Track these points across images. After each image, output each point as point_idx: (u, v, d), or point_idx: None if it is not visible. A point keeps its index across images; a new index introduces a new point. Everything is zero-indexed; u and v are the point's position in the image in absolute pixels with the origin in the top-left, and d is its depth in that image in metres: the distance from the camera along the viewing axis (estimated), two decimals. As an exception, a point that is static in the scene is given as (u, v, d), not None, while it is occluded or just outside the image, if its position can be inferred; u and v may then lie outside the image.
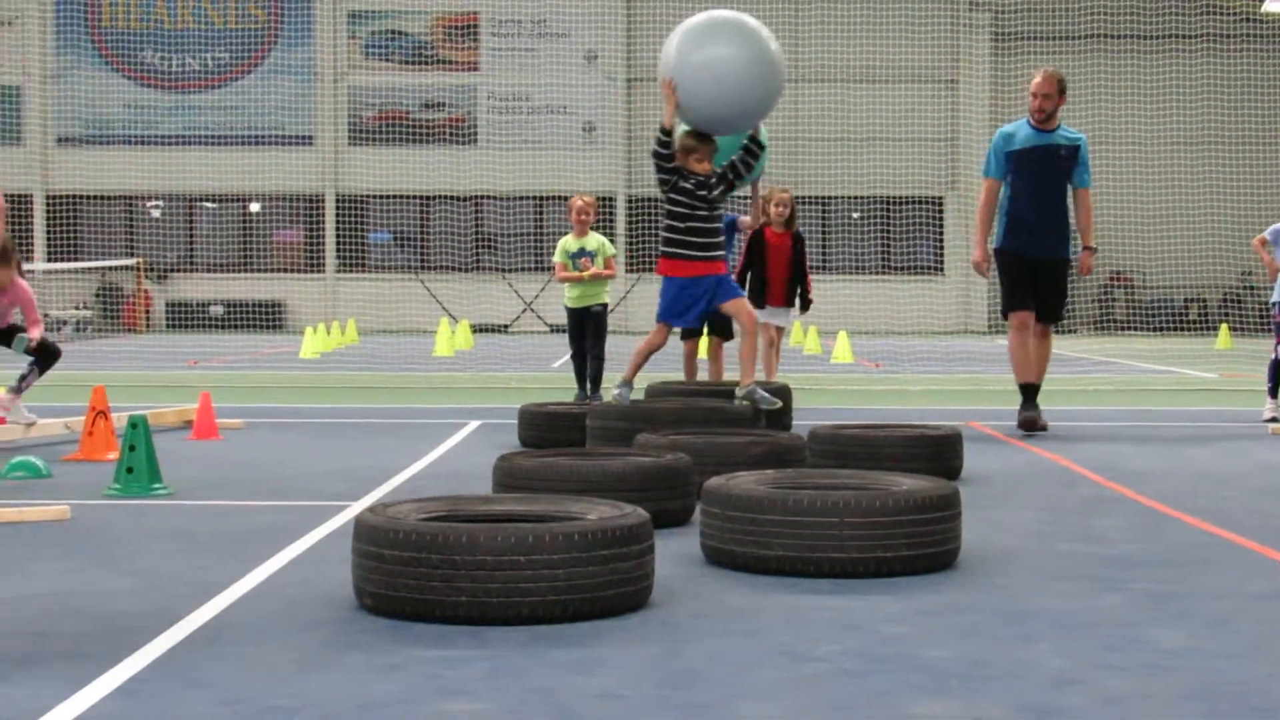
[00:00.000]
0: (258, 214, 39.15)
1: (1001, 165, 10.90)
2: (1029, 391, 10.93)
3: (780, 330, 12.94)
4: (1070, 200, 10.94)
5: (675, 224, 9.32)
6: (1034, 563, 5.85)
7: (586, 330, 12.73)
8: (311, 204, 38.87)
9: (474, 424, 11.74)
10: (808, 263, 12.89)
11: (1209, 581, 5.48)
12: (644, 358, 9.59)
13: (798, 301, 12.90)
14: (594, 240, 12.91)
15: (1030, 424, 10.78)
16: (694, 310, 9.41)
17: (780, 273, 12.65)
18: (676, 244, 9.34)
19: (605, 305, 12.94)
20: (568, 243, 12.92)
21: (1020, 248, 10.93)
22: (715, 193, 9.30)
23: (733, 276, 12.27)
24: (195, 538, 6.40)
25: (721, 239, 9.44)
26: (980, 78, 38.24)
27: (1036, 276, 10.92)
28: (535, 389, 15.77)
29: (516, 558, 4.63)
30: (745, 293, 12.72)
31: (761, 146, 9.48)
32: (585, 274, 12.64)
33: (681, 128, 9.41)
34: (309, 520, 6.77)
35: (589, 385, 12.63)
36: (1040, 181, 10.80)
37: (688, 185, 9.25)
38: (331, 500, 7.46)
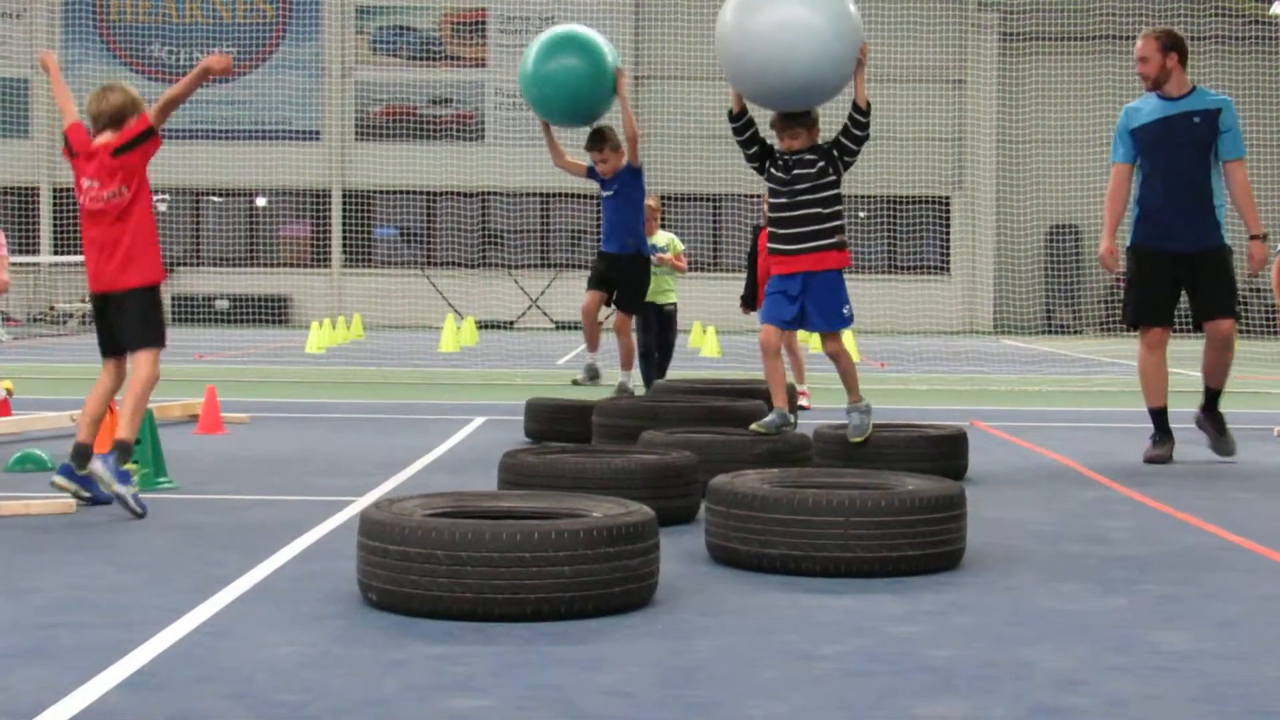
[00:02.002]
0: (264, 209, 39.16)
1: (1128, 146, 9.25)
2: (1159, 419, 9.30)
3: (791, 332, 12.84)
4: (1216, 179, 9.15)
5: (771, 213, 8.21)
6: (1040, 563, 5.85)
7: (652, 327, 12.63)
8: (318, 199, 38.86)
9: (479, 420, 11.74)
10: None
11: (1216, 584, 5.48)
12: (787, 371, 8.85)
13: None
14: (663, 238, 13.00)
15: (1159, 461, 9.18)
16: (781, 308, 8.12)
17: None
18: (771, 236, 8.23)
19: (675, 304, 12.84)
20: (668, 237, 13.04)
21: (1150, 241, 9.24)
22: (795, 172, 7.99)
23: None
24: (200, 532, 6.40)
25: (817, 228, 8.02)
26: (987, 78, 38.21)
27: (1176, 276, 9.19)
28: (540, 386, 15.76)
29: (522, 554, 4.63)
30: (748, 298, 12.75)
31: (861, 111, 8.17)
32: (659, 260, 12.54)
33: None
34: (314, 515, 6.77)
35: (656, 372, 12.57)
36: (1168, 159, 9.07)
37: (773, 168, 8.13)
38: (337, 495, 7.46)
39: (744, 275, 13.15)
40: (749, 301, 12.58)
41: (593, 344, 10.82)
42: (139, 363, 7.07)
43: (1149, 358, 9.32)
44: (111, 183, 7.00)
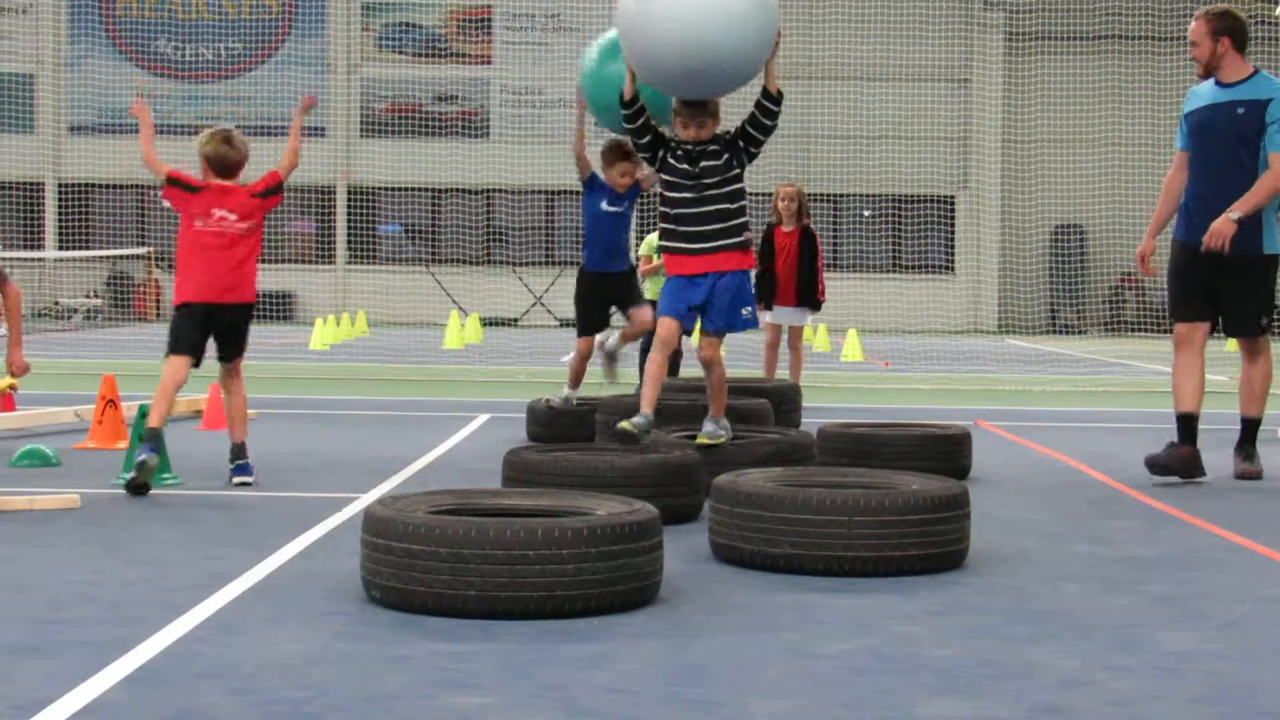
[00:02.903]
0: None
1: (1183, 133, 8.57)
2: (1186, 424, 8.35)
3: (796, 331, 12.85)
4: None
5: (665, 210, 7.61)
6: (1043, 563, 5.85)
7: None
8: (322, 195, 38.87)
9: (483, 417, 11.74)
10: (821, 260, 12.75)
11: (1219, 584, 5.48)
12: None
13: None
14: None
15: (1184, 470, 8.28)
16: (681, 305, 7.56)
17: (788, 271, 12.56)
18: (665, 234, 7.64)
19: None
20: (654, 239, 13.01)
21: (1186, 235, 8.47)
22: (704, 164, 7.42)
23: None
24: (204, 528, 6.40)
25: (723, 225, 7.47)
26: (993, 77, 38.18)
27: (1214, 276, 8.32)
28: (545, 383, 15.76)
29: (525, 552, 4.63)
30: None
31: (772, 99, 7.48)
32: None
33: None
34: (318, 512, 6.78)
35: (669, 375, 12.58)
36: (1208, 150, 8.36)
37: (673, 160, 7.52)
38: (340, 492, 7.46)
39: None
40: (765, 299, 12.47)
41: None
42: (240, 372, 8.19)
43: (1178, 357, 8.43)
44: (248, 219, 8.27)
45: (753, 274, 12.35)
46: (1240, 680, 4.11)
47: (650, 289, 13.07)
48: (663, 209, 7.56)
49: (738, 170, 7.46)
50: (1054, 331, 36.12)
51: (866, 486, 5.88)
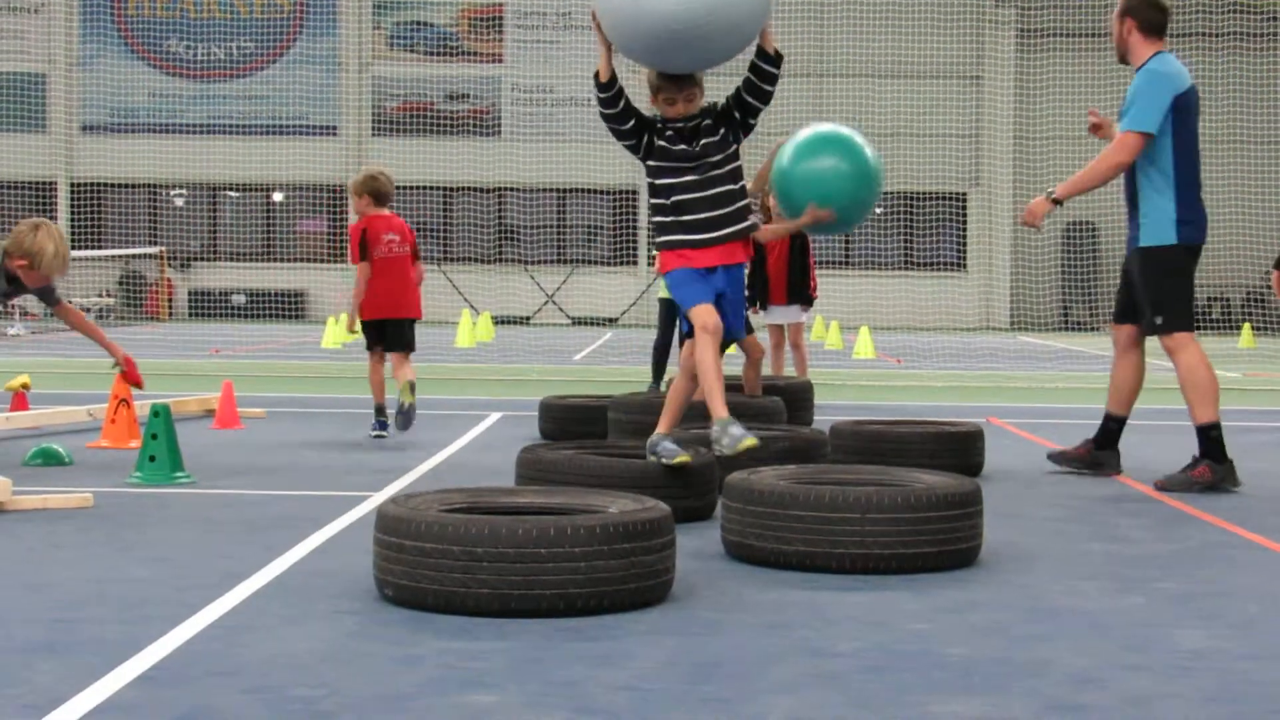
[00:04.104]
0: (281, 203, 39.22)
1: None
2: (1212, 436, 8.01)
3: (795, 328, 12.82)
4: (1149, 170, 8.06)
5: (659, 200, 6.74)
6: (1056, 561, 5.84)
7: (674, 325, 12.67)
8: (334, 194, 38.90)
9: (495, 415, 11.74)
10: (812, 257, 12.64)
11: (1233, 582, 5.46)
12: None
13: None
14: None
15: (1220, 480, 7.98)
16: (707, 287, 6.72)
17: (778, 269, 12.47)
18: (665, 227, 6.75)
19: None
20: None
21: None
22: (704, 141, 6.60)
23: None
24: (217, 526, 6.41)
25: (731, 209, 6.66)
26: (1005, 74, 38.14)
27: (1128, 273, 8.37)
28: (557, 381, 15.77)
29: (538, 550, 4.63)
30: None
31: (770, 60, 6.59)
32: None
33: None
34: (330, 510, 6.78)
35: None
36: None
37: (666, 143, 6.64)
38: (353, 490, 7.47)
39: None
40: (760, 300, 12.43)
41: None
42: (408, 360, 10.09)
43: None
44: (406, 243, 10.18)
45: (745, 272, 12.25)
46: (1255, 678, 4.10)
47: (664, 287, 13.06)
48: (656, 200, 6.67)
49: (735, 146, 6.66)
50: (1066, 328, 36.08)
51: (879, 484, 5.88)
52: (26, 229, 8.34)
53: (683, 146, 6.58)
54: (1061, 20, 37.50)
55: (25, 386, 10.48)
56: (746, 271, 9.42)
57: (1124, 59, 8.22)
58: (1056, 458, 8.64)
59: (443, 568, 4.65)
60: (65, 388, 13.77)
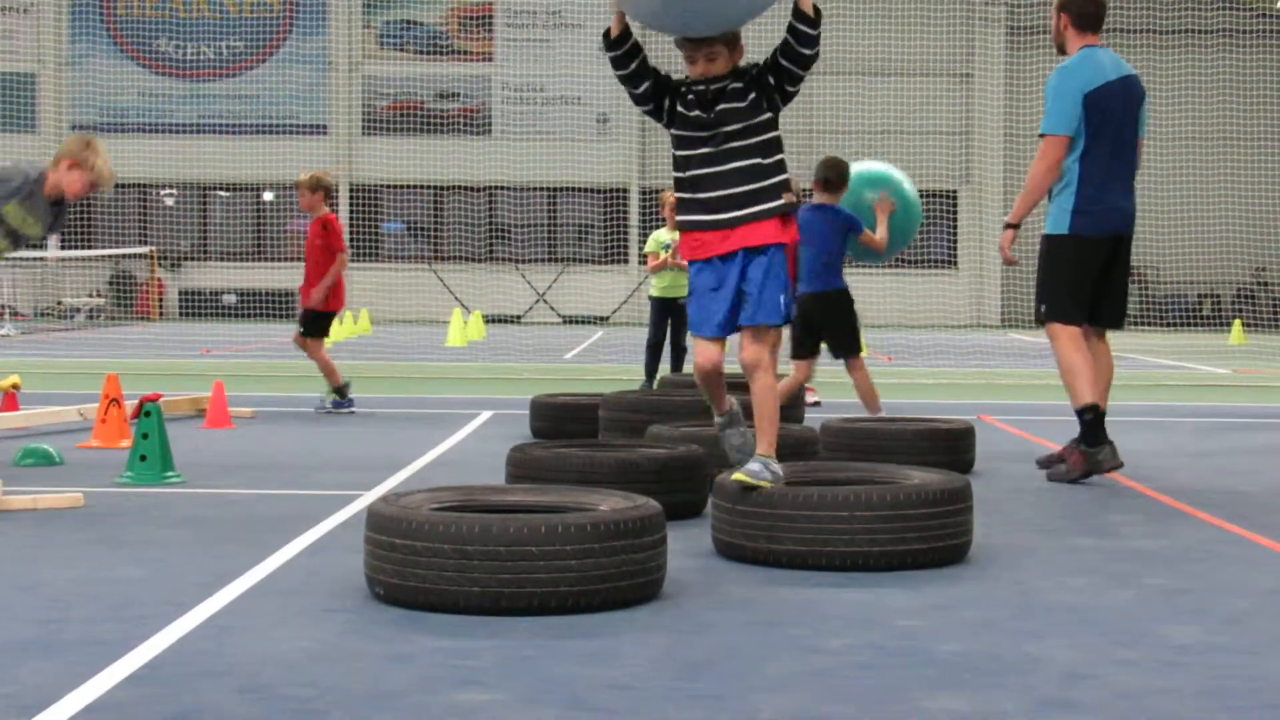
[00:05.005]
0: (271, 203, 39.19)
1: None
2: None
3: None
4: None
5: (678, 174, 5.93)
6: (1046, 557, 5.84)
7: (669, 321, 12.84)
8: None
9: (486, 414, 11.74)
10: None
11: (1223, 577, 5.47)
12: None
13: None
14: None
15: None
16: (710, 308, 5.87)
17: (795, 268, 12.55)
18: (682, 205, 5.95)
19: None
20: (661, 235, 13.11)
21: None
22: (721, 107, 5.77)
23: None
24: (208, 526, 6.40)
25: (757, 186, 5.78)
26: (995, 72, 38.18)
27: None
28: (547, 380, 15.76)
29: (529, 548, 4.63)
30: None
31: (807, 20, 5.81)
32: (671, 257, 12.67)
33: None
34: (321, 509, 6.78)
35: (671, 368, 12.75)
36: None
37: (684, 110, 5.85)
38: (344, 489, 7.46)
39: None
40: None
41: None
42: None
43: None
44: None
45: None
46: (1246, 673, 4.10)
47: (655, 285, 13.10)
48: (676, 175, 5.93)
49: (769, 115, 5.81)
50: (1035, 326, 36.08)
51: (869, 481, 5.88)
52: (74, 137, 8.26)
53: (698, 113, 5.80)
54: (1051, 18, 37.51)
55: (15, 386, 10.47)
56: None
57: (1061, 52, 8.28)
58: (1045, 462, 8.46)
59: (434, 566, 4.65)
60: (55, 388, 13.75)
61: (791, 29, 5.77)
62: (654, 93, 5.87)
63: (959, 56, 38.57)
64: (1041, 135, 8.06)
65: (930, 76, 38.33)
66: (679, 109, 5.83)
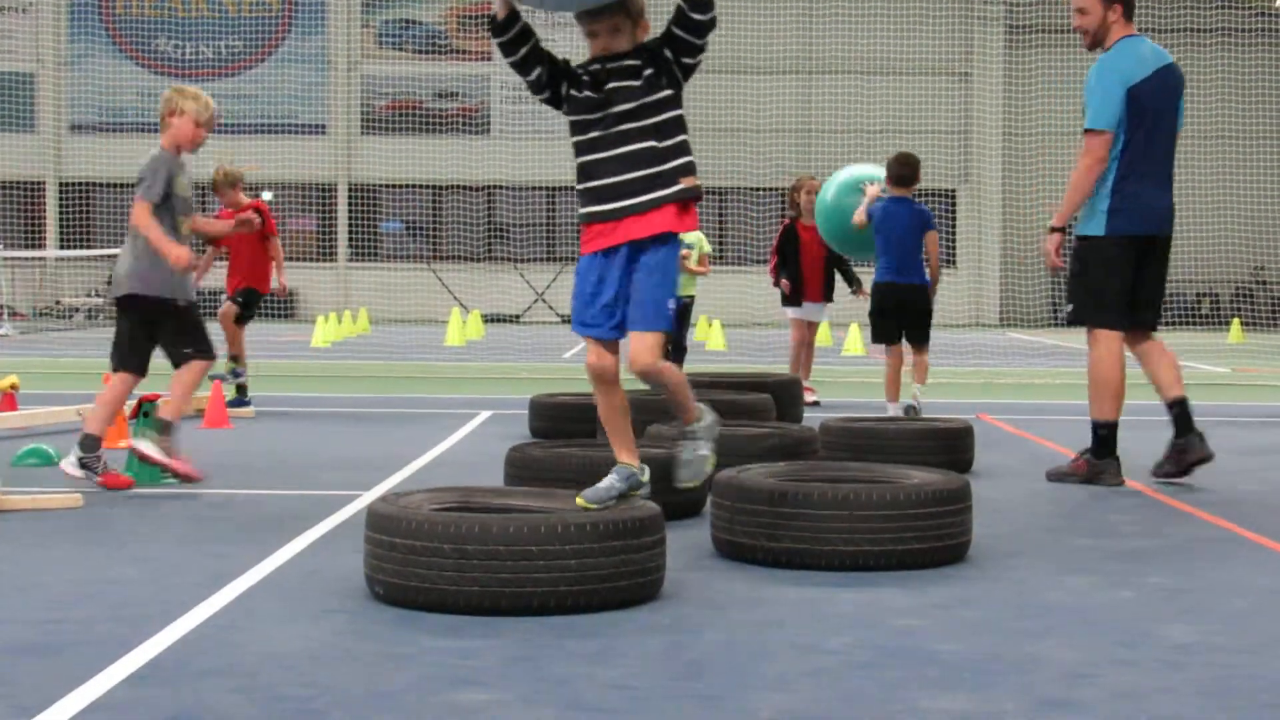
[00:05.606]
0: (270, 202, 39.17)
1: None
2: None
3: (813, 327, 12.92)
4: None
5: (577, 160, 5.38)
6: (1046, 557, 5.84)
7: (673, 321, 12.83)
8: (324, 193, 38.89)
9: (485, 414, 11.74)
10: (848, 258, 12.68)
11: (1223, 577, 5.47)
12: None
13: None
14: (693, 235, 13.00)
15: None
16: (592, 307, 5.32)
17: (815, 266, 12.58)
18: (580, 196, 5.42)
19: (692, 298, 13.01)
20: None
21: None
22: (612, 85, 5.21)
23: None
24: (207, 526, 6.40)
25: (652, 171, 5.20)
26: (993, 71, 38.18)
27: None
28: (546, 380, 15.76)
29: (529, 548, 4.63)
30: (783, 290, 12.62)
31: None
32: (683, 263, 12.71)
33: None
34: (320, 509, 6.78)
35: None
36: None
37: (575, 91, 5.32)
38: (343, 489, 7.46)
39: (757, 269, 13.21)
40: (794, 298, 12.59)
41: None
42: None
43: None
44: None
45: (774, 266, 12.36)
46: (1246, 672, 4.10)
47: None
48: (578, 161, 5.37)
49: (669, 91, 5.23)
50: (1056, 324, 36.10)
51: (868, 481, 5.88)
52: (163, 96, 8.41)
53: (591, 95, 5.24)
54: (1050, 17, 37.51)
55: (14, 387, 10.46)
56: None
57: (1096, 45, 8.09)
58: (1159, 472, 8.07)
59: (433, 566, 4.65)
60: (53, 388, 13.74)
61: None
62: (549, 79, 5.34)
63: (957, 55, 38.57)
64: (1085, 131, 7.84)
65: (929, 75, 38.32)
66: (572, 92, 5.30)
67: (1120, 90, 7.79)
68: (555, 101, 5.36)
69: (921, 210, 10.53)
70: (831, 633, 4.52)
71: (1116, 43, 7.95)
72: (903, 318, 10.60)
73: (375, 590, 4.86)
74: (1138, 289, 7.98)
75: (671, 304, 5.28)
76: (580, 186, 5.35)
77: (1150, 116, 7.83)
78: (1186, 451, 7.95)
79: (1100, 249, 7.89)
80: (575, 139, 5.32)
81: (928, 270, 10.67)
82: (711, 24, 5.20)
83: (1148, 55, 7.92)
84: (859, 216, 10.56)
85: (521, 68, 5.33)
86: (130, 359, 7.69)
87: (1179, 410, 7.97)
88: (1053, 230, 8.06)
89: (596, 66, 5.24)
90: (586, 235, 5.36)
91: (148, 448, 7.38)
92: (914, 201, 10.48)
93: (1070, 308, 8.07)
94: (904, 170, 10.42)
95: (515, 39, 5.27)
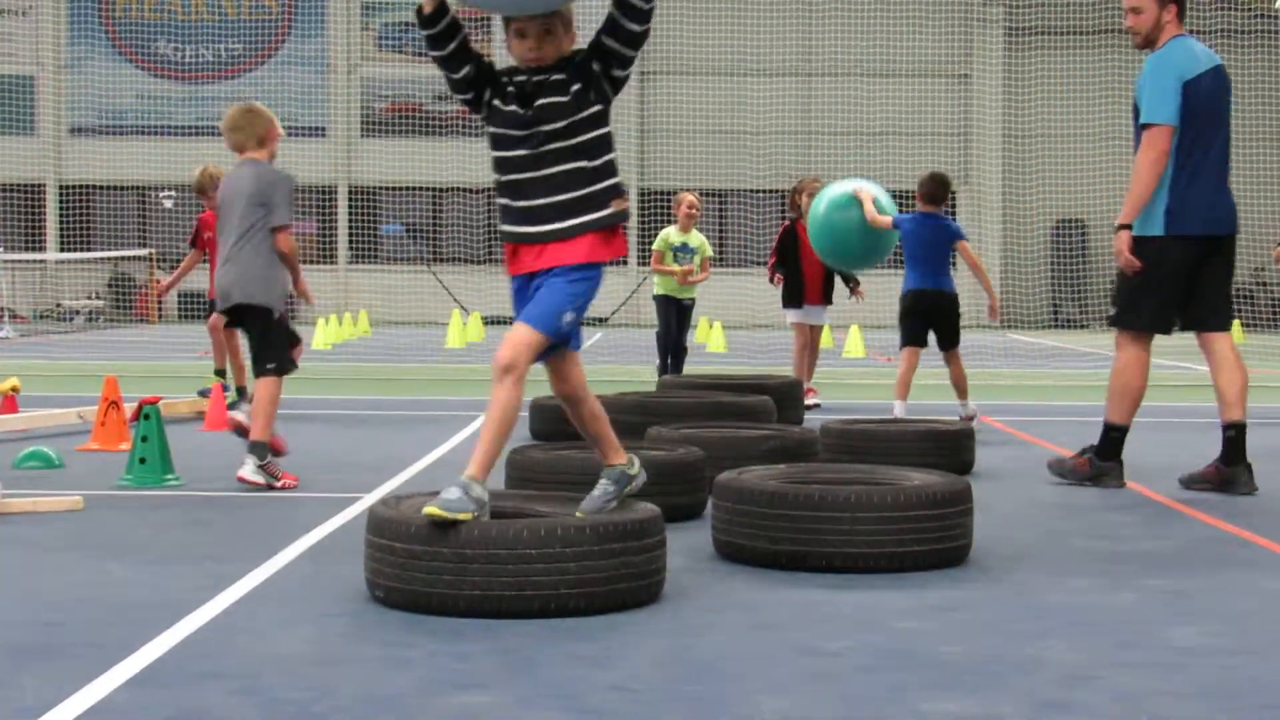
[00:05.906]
0: (270, 205, 39.14)
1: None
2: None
3: (816, 329, 12.94)
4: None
5: (496, 175, 5.17)
6: (1047, 559, 5.84)
7: (672, 319, 12.95)
8: (324, 195, 38.87)
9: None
10: None
11: (1224, 579, 5.47)
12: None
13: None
14: (696, 238, 13.06)
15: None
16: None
17: (815, 268, 12.60)
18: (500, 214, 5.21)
19: (693, 299, 13.23)
20: (671, 235, 13.06)
21: None
22: (541, 102, 4.98)
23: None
24: (207, 529, 6.40)
25: (577, 194, 5.02)
26: (993, 72, 38.17)
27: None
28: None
29: (529, 551, 4.63)
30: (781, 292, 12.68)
31: None
32: (679, 271, 12.76)
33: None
34: (321, 512, 6.78)
35: (671, 369, 12.87)
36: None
37: (500, 103, 5.08)
38: (344, 492, 7.46)
39: (757, 271, 13.28)
40: (795, 300, 12.65)
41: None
42: None
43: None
44: None
45: (776, 277, 12.42)
46: (1246, 674, 4.10)
47: (659, 284, 13.07)
48: (495, 178, 5.15)
49: (598, 108, 5.04)
50: (1056, 326, 36.11)
51: (869, 482, 5.88)
52: (231, 117, 8.42)
53: (514, 108, 5.02)
54: (1049, 18, 37.55)
55: (14, 389, 10.46)
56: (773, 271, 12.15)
57: (1149, 44, 7.92)
58: (1187, 481, 7.91)
59: (434, 569, 4.65)
60: (54, 390, 13.74)
61: (618, 1, 4.97)
62: (474, 80, 5.08)
63: (957, 57, 38.56)
64: (1144, 126, 7.72)
65: (928, 77, 38.31)
66: (495, 103, 5.06)
67: (1176, 84, 7.69)
68: (475, 104, 5.12)
69: (949, 225, 10.90)
70: (832, 635, 4.51)
71: (1169, 41, 7.84)
72: (933, 321, 10.87)
73: (375, 593, 4.86)
74: (1197, 291, 7.84)
75: (568, 318, 5.05)
76: (503, 202, 5.12)
77: (1205, 114, 7.74)
78: (1232, 484, 7.73)
79: (1162, 249, 7.70)
80: (498, 154, 5.09)
81: (976, 278, 11.05)
82: (646, 35, 4.99)
83: (1201, 54, 7.86)
84: (876, 218, 10.72)
85: (448, 63, 5.08)
86: (286, 362, 8.07)
87: (1234, 434, 7.76)
88: (1121, 228, 7.76)
89: (523, 78, 5.02)
90: (509, 252, 5.15)
91: (252, 473, 7.54)
92: (941, 216, 10.89)
93: (1114, 310, 7.93)
94: (935, 189, 10.90)
95: (444, 33, 5.05)
